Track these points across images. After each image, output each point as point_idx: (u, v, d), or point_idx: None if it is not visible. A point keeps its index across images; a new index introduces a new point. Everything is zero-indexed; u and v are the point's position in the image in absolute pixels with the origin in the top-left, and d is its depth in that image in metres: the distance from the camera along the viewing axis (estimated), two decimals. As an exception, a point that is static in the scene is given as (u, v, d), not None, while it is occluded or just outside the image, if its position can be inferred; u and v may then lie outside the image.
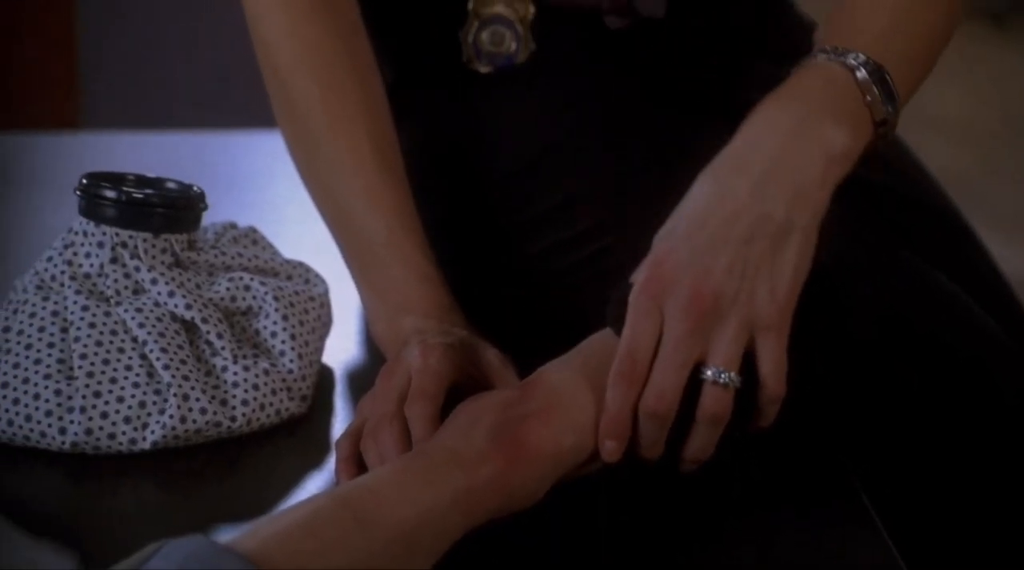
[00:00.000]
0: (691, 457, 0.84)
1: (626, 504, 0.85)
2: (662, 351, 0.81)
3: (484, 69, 1.09)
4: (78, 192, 0.91)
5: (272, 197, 1.19)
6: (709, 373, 0.82)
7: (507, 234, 1.03)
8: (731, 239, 0.83)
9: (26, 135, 1.31)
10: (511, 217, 1.03)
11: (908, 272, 0.97)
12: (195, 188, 0.93)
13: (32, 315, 0.90)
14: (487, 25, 1.09)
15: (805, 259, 0.84)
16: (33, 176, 1.26)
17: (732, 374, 0.82)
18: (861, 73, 0.89)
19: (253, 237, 0.99)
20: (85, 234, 0.91)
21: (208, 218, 0.95)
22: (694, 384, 0.82)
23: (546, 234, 1.02)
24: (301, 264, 0.99)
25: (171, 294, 0.90)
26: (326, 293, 0.99)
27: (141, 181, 0.93)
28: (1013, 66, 4.96)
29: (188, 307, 0.90)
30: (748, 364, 0.83)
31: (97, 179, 0.91)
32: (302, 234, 1.05)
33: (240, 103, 1.40)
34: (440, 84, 1.10)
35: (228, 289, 0.93)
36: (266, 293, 0.93)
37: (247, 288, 0.93)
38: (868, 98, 0.89)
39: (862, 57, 0.89)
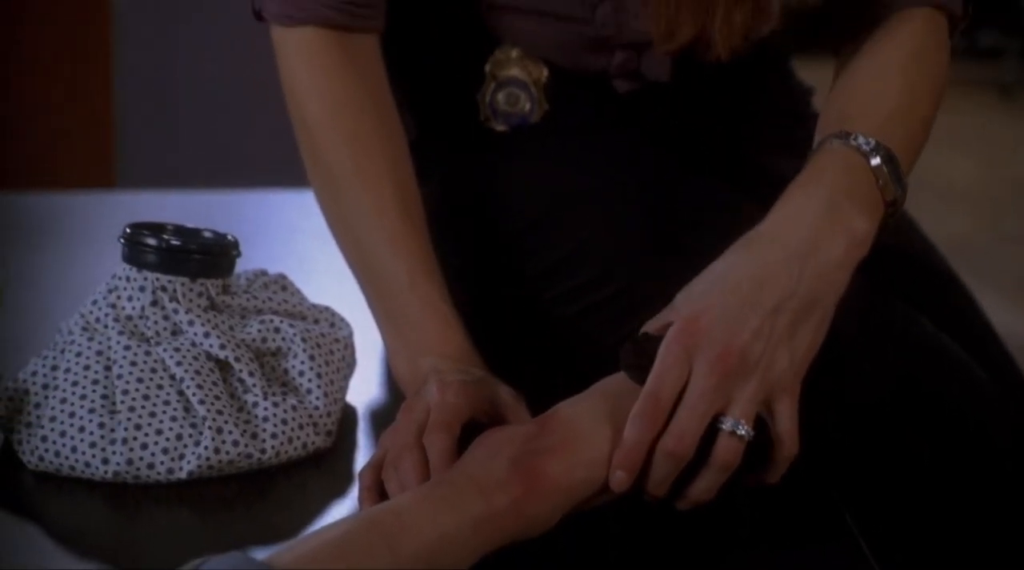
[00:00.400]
0: (694, 498, 0.89)
1: (635, 536, 0.90)
2: (687, 398, 0.86)
3: (500, 128, 1.15)
4: (121, 240, 0.97)
5: (300, 248, 1.25)
6: (727, 424, 0.87)
7: (522, 282, 1.08)
8: (761, 307, 0.88)
9: (67, 194, 1.38)
10: (526, 266, 1.09)
11: (919, 337, 1.02)
12: (229, 237, 0.99)
13: (78, 354, 0.96)
14: (503, 87, 1.14)
15: (821, 332, 0.91)
16: (75, 231, 1.32)
17: (748, 428, 0.87)
18: (875, 160, 0.95)
19: (282, 283, 1.04)
20: (128, 279, 0.97)
21: (240, 266, 1.01)
22: (708, 432, 0.87)
23: (559, 282, 1.07)
24: (327, 309, 1.05)
25: (206, 335, 0.96)
26: (350, 336, 1.04)
27: (179, 230, 0.99)
28: (1021, 136, 5.01)
29: (222, 347, 0.96)
30: (758, 423, 0.88)
31: (139, 228, 0.98)
32: (328, 282, 1.10)
33: (270, 163, 1.46)
34: (459, 141, 1.16)
35: (259, 331, 0.99)
36: (294, 335, 0.99)
37: (277, 330, 0.99)
38: (880, 182, 0.95)
39: (872, 142, 0.96)
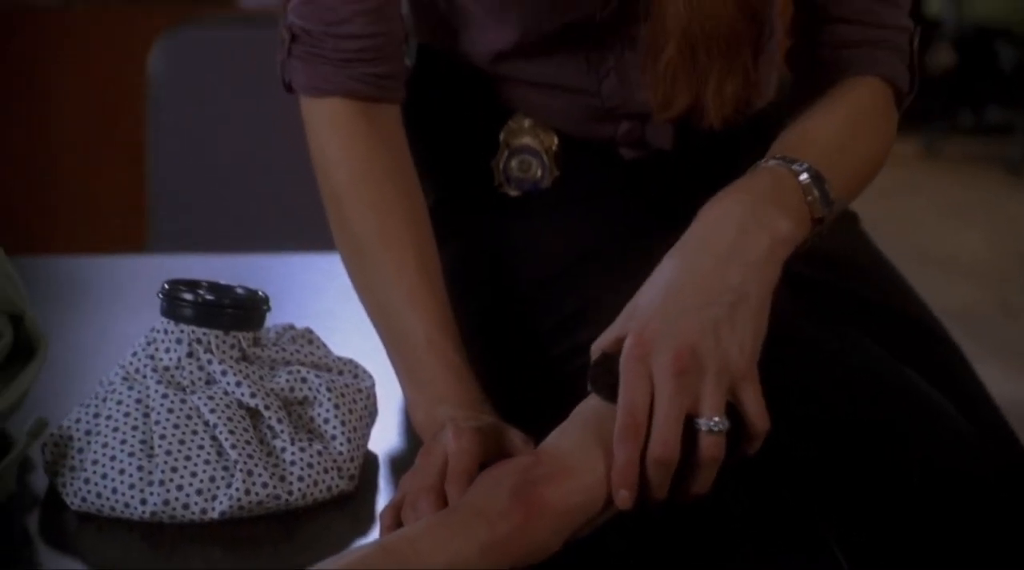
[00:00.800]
0: (693, 493, 0.95)
1: (635, 553, 0.96)
2: (658, 408, 0.93)
3: (513, 193, 1.22)
4: (160, 295, 1.04)
5: (325, 306, 1.31)
6: (703, 424, 0.93)
7: (533, 337, 1.15)
8: (701, 307, 0.95)
9: (103, 257, 1.45)
10: (536, 323, 1.15)
11: (901, 382, 1.08)
12: (260, 292, 1.06)
13: (119, 402, 1.02)
14: (516, 154, 1.21)
15: (762, 319, 0.97)
16: (112, 291, 1.39)
17: (722, 420, 0.94)
18: (804, 177, 1.03)
19: (309, 337, 1.11)
20: (166, 332, 1.04)
21: (270, 321, 1.07)
22: (687, 431, 0.94)
23: (566, 338, 1.13)
24: (351, 361, 1.11)
25: (238, 384, 1.02)
26: (372, 387, 1.10)
27: (214, 287, 1.06)
28: (1027, 211, 5.07)
29: (253, 396, 1.02)
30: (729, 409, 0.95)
31: (176, 284, 1.04)
32: (351, 336, 1.16)
33: (297, 229, 1.53)
34: (475, 205, 1.22)
35: (287, 381, 1.05)
36: (320, 385, 1.06)
37: (304, 380, 1.06)
38: (809, 198, 1.03)
39: (806, 165, 1.04)
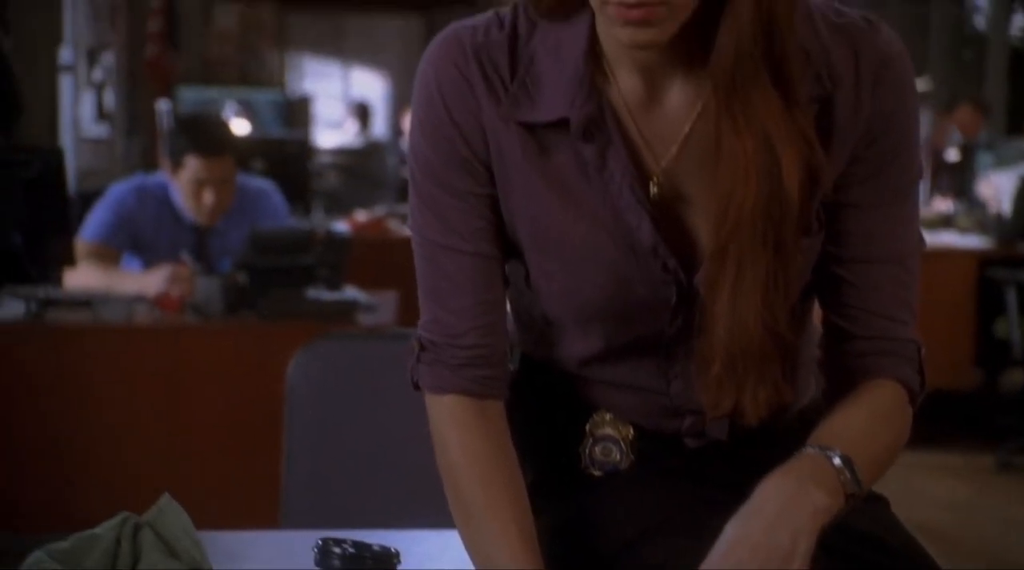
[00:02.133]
0: None
1: None
2: None
3: (597, 474, 1.47)
4: (315, 549, 1.30)
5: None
6: None
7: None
8: (755, 561, 1.20)
9: (249, 532, 1.69)
10: (617, 582, 1.39)
11: None
12: (392, 549, 1.32)
13: (278, 634, 1.27)
14: (599, 442, 1.48)
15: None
16: (263, 559, 1.63)
17: None
18: (836, 461, 1.29)
19: (429, 588, 1.36)
20: (318, 579, 1.30)
21: (398, 574, 1.33)
22: None
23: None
24: (463, 607, 1.36)
25: (373, 622, 1.28)
26: (480, 628, 1.35)
27: (356, 543, 1.32)
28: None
29: (385, 631, 1.27)
30: None
31: (328, 541, 1.31)
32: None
33: (416, 509, 1.77)
34: (565, 483, 1.48)
35: (412, 621, 1.30)
36: (439, 625, 1.30)
37: (425, 621, 1.30)
38: (842, 478, 1.28)
39: (837, 451, 1.30)
